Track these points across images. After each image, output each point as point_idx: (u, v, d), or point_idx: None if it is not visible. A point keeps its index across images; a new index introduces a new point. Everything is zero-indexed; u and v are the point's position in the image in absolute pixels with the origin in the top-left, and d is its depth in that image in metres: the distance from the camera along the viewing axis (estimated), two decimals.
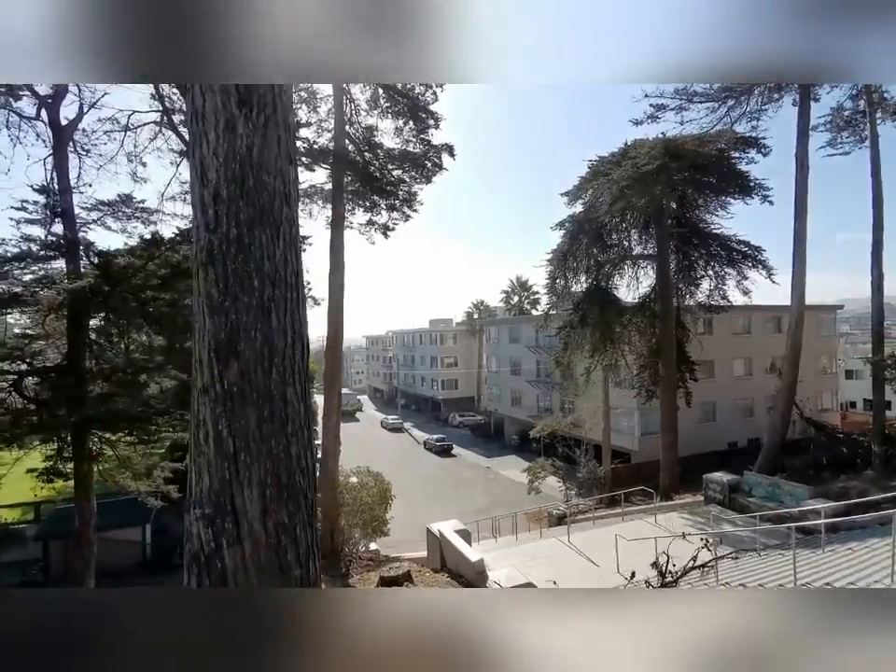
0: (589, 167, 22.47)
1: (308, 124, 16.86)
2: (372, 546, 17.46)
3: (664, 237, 22.23)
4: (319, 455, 16.47)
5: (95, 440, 9.97)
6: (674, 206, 23.19)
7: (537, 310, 50.83)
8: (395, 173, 17.75)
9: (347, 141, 16.91)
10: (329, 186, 17.78)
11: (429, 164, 17.38)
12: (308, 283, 17.25)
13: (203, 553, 1.80)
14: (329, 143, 16.92)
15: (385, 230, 18.75)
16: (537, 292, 52.06)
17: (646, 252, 23.80)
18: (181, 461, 14.23)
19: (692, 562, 8.63)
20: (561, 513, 21.24)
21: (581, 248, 22.84)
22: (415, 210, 18.40)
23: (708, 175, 19.98)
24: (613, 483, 25.09)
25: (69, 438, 10.21)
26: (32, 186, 9.76)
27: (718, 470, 18.62)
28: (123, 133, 12.84)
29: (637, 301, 23.89)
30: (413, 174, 17.64)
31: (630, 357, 24.27)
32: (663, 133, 21.17)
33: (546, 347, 34.32)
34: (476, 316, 57.10)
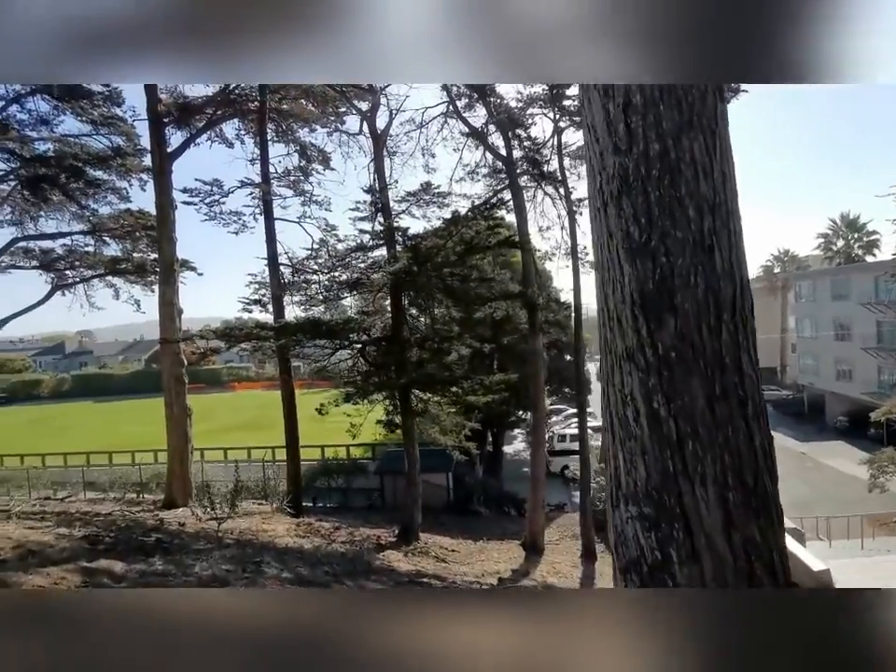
0: None
1: None
2: None
3: None
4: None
5: (414, 398, 11.83)
6: None
7: (874, 255, 38.39)
8: None
9: None
10: None
11: None
12: (585, 248, 16.68)
13: (645, 561, 1.42)
14: None
15: None
16: (876, 232, 39.18)
17: None
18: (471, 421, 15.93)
19: None
20: None
21: None
22: None
23: None
24: None
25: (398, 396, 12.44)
26: (362, 188, 12.13)
27: None
28: (418, 130, 14.60)
29: None
30: None
31: None
32: None
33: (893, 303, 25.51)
34: (778, 270, 46.54)
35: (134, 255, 21.33)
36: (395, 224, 11.85)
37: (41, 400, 54.82)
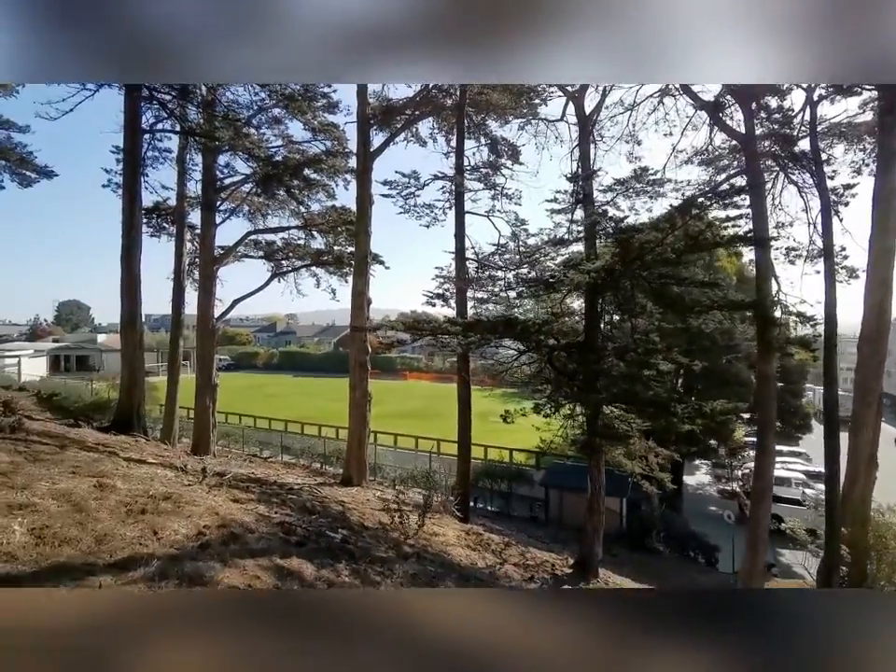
0: None
1: None
2: None
3: None
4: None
5: (609, 415, 10.27)
6: None
7: None
8: None
9: None
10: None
11: None
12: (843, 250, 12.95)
13: None
14: None
15: None
16: None
17: None
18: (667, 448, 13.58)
19: None
20: None
21: None
22: None
23: None
24: None
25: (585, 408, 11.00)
26: (565, 175, 10.99)
27: None
28: (627, 112, 12.85)
29: None
30: None
31: None
32: None
33: None
34: None
35: (335, 248, 23.51)
36: (600, 212, 10.39)
37: (256, 370, 65.94)
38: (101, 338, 59.89)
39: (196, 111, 13.47)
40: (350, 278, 22.53)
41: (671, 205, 9.23)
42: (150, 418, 20.67)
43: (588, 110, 11.99)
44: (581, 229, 10.94)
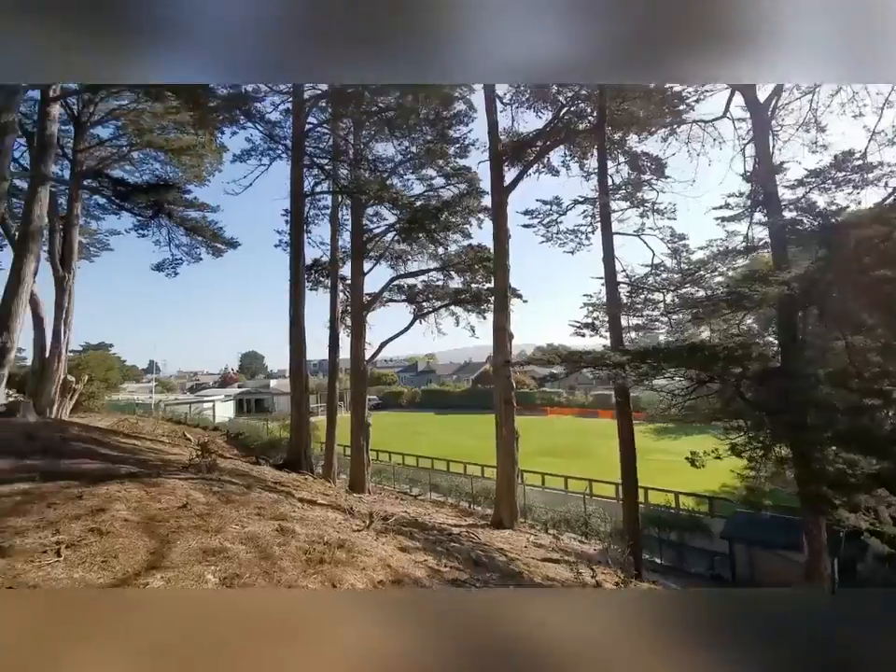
0: None
1: None
2: None
3: None
4: None
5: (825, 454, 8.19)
6: None
7: None
8: None
9: None
10: None
11: None
12: None
13: None
14: None
15: None
16: None
17: None
18: None
19: None
20: None
21: None
22: None
23: None
24: None
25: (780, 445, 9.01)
26: (740, 175, 9.50)
27: None
28: (805, 96, 10.89)
29: None
30: None
31: None
32: None
33: None
34: None
35: (472, 286, 23.86)
36: (804, 207, 8.62)
37: (401, 408, 69.38)
38: (273, 383, 68.53)
39: (347, 169, 14.82)
40: (488, 315, 22.61)
41: (856, 201, 7.24)
42: (313, 455, 22.43)
43: (763, 98, 10.28)
44: (762, 235, 9.25)
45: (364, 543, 4.95)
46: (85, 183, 17.73)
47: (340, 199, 17.63)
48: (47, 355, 16.37)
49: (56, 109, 14.83)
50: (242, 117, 13.20)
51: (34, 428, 7.83)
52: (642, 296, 13.38)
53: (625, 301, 13.57)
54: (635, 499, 13.72)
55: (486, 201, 20.06)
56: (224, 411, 47.43)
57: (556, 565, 7.94)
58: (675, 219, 17.68)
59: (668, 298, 12.27)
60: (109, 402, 30.33)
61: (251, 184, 13.80)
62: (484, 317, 24.33)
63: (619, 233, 13.95)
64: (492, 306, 23.11)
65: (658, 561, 18.47)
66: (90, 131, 18.46)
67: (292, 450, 13.92)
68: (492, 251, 19.29)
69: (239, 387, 71.76)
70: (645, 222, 14.28)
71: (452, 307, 24.89)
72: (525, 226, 16.59)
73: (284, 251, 17.58)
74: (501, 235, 17.43)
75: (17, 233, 15.02)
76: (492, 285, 23.61)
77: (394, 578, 4.58)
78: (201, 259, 19.28)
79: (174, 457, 9.62)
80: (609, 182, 14.87)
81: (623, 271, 13.65)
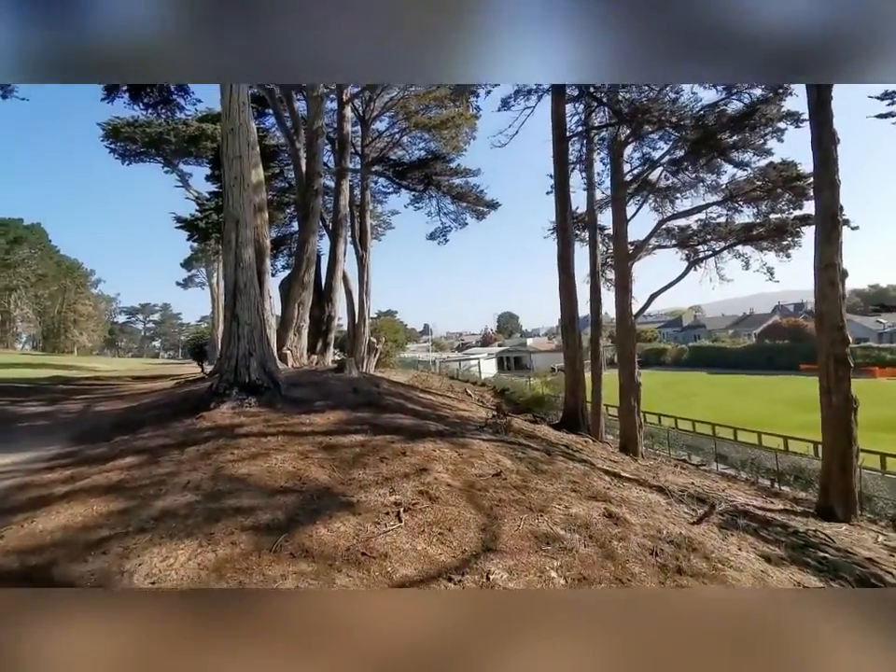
0: None
1: None
2: None
3: None
4: None
5: None
6: None
7: None
8: None
9: None
10: None
11: None
12: None
13: None
14: None
15: None
16: None
17: None
18: None
19: None
20: None
21: None
22: None
23: None
24: None
25: None
26: None
27: None
28: None
29: None
30: None
31: None
32: None
33: None
34: None
35: (771, 216, 19.10)
36: None
37: (664, 367, 63.35)
38: (529, 341, 71.39)
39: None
40: (791, 252, 18.09)
41: None
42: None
43: None
44: None
45: (714, 545, 3.88)
46: (373, 169, 20.60)
47: (610, 136, 15.88)
48: (356, 321, 19.98)
49: (349, 111, 17.40)
50: None
51: (357, 383, 9.19)
52: None
53: None
54: None
55: (790, 103, 15.33)
56: (488, 367, 51.54)
57: None
58: None
59: None
60: (399, 360, 36.15)
61: (517, 132, 13.43)
62: (788, 255, 19.43)
63: None
64: (799, 240, 18.40)
65: None
66: (371, 126, 21.30)
67: (569, 410, 13.56)
68: (801, 168, 14.77)
69: (499, 346, 77.25)
70: None
71: (739, 247, 20.60)
72: (883, 115, 11.85)
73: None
74: (826, 138, 12.96)
75: (330, 223, 18.53)
76: (800, 212, 18.52)
77: None
78: (466, 223, 20.41)
79: (465, 413, 10.20)
80: None
81: None
